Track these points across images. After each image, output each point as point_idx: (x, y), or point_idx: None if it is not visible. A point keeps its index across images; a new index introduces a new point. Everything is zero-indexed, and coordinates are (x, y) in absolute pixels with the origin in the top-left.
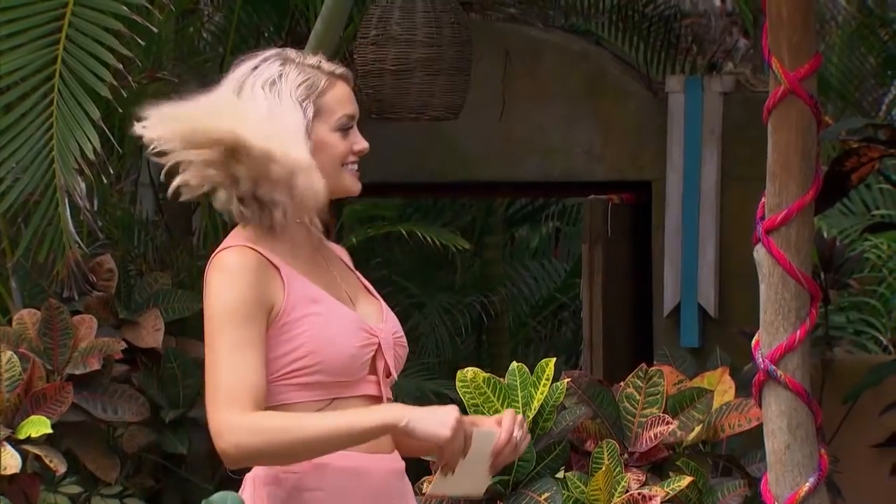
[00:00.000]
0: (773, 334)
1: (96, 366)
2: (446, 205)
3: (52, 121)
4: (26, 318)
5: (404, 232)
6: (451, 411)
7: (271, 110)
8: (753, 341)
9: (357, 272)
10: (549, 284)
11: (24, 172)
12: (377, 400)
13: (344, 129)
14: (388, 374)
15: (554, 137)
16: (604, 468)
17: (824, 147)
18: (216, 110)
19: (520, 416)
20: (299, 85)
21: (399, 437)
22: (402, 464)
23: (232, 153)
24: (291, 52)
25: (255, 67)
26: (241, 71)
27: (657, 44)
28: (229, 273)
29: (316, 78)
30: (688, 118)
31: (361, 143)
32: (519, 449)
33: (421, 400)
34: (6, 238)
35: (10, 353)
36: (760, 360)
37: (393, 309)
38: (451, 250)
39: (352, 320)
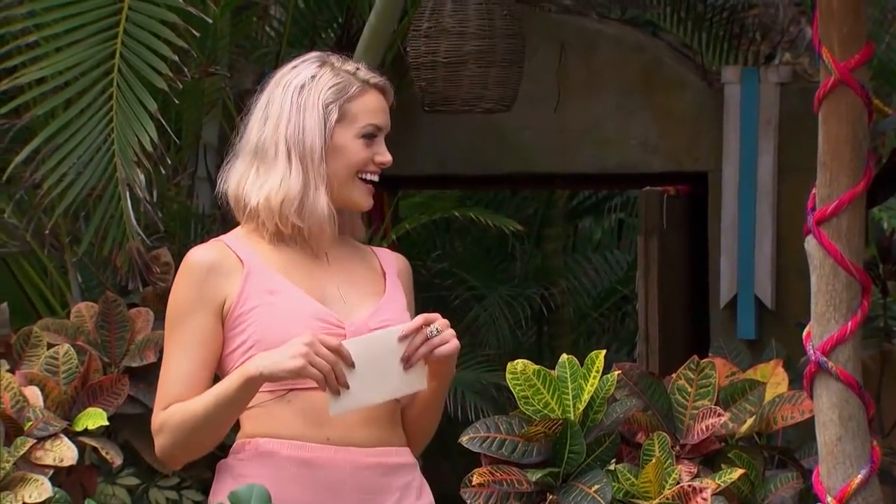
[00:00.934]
0: (824, 326)
1: (153, 358)
2: (506, 197)
3: (111, 115)
4: (84, 311)
5: (458, 215)
6: (297, 341)
7: (297, 112)
8: (804, 333)
9: (391, 279)
10: (610, 276)
11: (86, 167)
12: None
13: (368, 138)
14: None
15: (609, 129)
16: (654, 460)
17: (888, 137)
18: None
19: (441, 319)
20: (330, 87)
21: (408, 400)
22: (392, 459)
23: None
24: (333, 57)
25: (294, 67)
26: (282, 70)
27: (720, 34)
28: (180, 271)
29: (348, 83)
30: (744, 109)
31: (385, 156)
32: (443, 347)
33: (481, 393)
34: (66, 233)
35: (66, 345)
36: (812, 351)
37: (453, 301)
38: (512, 242)
39: (309, 311)
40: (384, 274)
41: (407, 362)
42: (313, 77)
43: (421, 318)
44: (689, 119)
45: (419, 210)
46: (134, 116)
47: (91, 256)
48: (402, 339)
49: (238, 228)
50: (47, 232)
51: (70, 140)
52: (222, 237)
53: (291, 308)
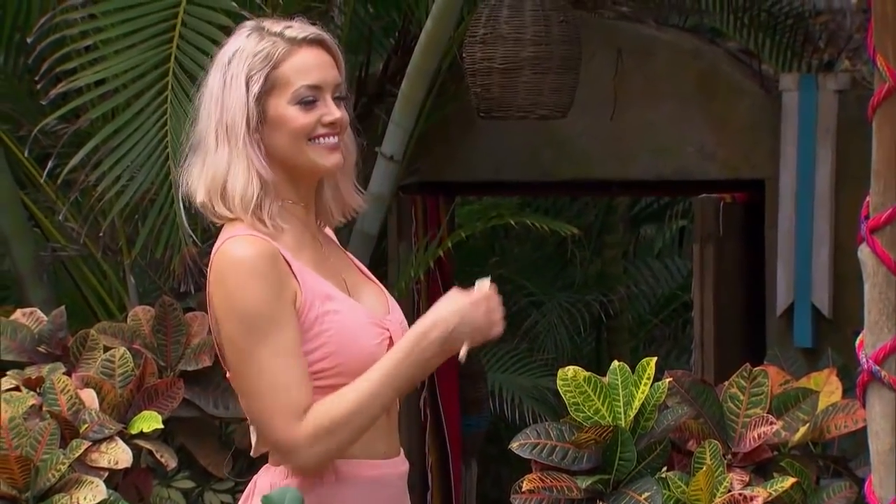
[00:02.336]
0: (877, 335)
1: (208, 362)
2: (565, 204)
3: (166, 118)
4: (140, 314)
5: (512, 222)
6: (471, 307)
7: (221, 90)
8: (857, 341)
9: (348, 253)
10: (671, 283)
11: (140, 170)
12: (390, 407)
13: (304, 102)
14: None
15: (666, 136)
16: (705, 468)
17: None
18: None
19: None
20: (255, 55)
21: None
22: (406, 465)
23: None
24: (267, 21)
25: (226, 43)
26: (219, 48)
27: (783, 41)
28: (249, 267)
29: (273, 47)
30: (802, 116)
31: (332, 114)
32: (494, 321)
33: (538, 398)
34: (123, 236)
35: (122, 349)
36: (864, 360)
37: (511, 308)
38: (571, 249)
39: (365, 316)
40: (346, 253)
41: None
42: (238, 49)
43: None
44: (747, 126)
45: (476, 217)
46: (187, 119)
47: (147, 260)
48: None
49: (239, 225)
50: (101, 235)
51: (125, 143)
52: (250, 232)
53: (354, 316)
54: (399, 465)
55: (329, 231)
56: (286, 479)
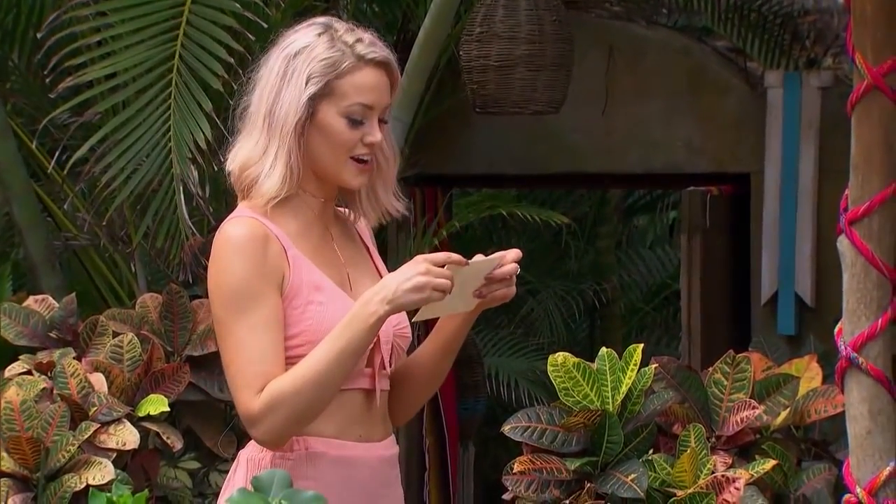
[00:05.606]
0: (855, 322)
1: (213, 348)
2: (560, 196)
3: (169, 113)
4: (148, 301)
5: (505, 213)
6: (410, 271)
7: (279, 80)
8: (836, 329)
9: (373, 252)
10: (662, 273)
11: (145, 161)
12: (370, 393)
13: (353, 118)
14: (385, 367)
15: (656, 131)
16: (689, 450)
17: None
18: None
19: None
20: (322, 60)
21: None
22: (396, 450)
23: None
24: (338, 24)
25: (296, 31)
26: (286, 33)
27: (772, 40)
28: (230, 249)
29: (342, 57)
30: (786, 112)
31: (373, 136)
32: (508, 289)
33: (534, 381)
34: (132, 226)
35: (131, 335)
36: (843, 347)
37: None
38: (566, 240)
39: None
40: (367, 248)
41: (481, 292)
42: (307, 46)
43: (515, 255)
44: (733, 122)
45: (472, 208)
46: (189, 115)
47: (155, 249)
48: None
49: (246, 205)
50: (104, 224)
51: (129, 136)
52: (250, 214)
53: (335, 309)
54: (379, 450)
55: (364, 227)
56: (261, 453)
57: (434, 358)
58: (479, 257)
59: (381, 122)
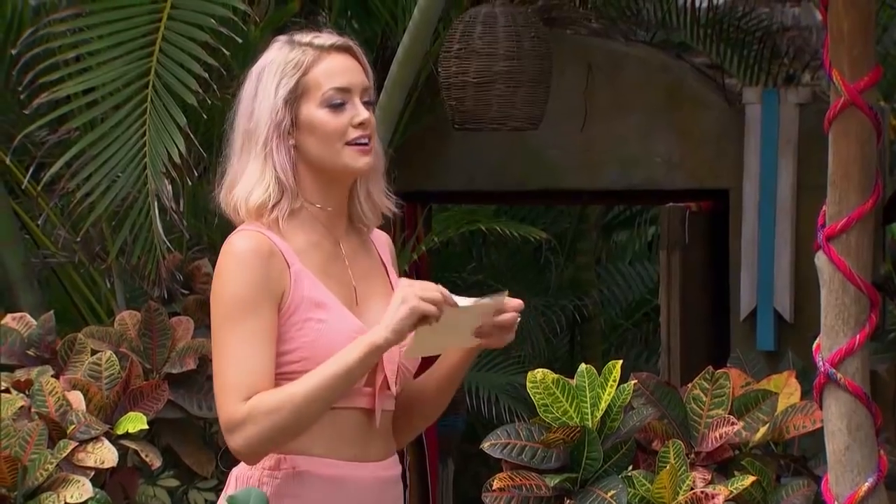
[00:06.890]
0: (833, 338)
1: (192, 365)
2: (540, 212)
3: (145, 129)
4: (127, 319)
5: (484, 228)
6: (402, 308)
7: (251, 101)
8: (814, 345)
9: (390, 268)
10: (641, 288)
11: (120, 176)
12: (370, 413)
13: (332, 104)
14: (390, 387)
15: (634, 147)
16: (669, 467)
17: None
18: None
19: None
20: (285, 65)
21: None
22: (397, 470)
23: None
24: (298, 34)
25: (264, 54)
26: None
27: (751, 56)
28: (232, 260)
29: (303, 55)
30: (764, 128)
31: (360, 115)
32: (507, 335)
33: (514, 396)
34: (110, 242)
35: (109, 352)
36: (821, 363)
37: None
38: (545, 255)
39: (354, 330)
40: (383, 263)
41: (479, 332)
42: (271, 61)
43: (517, 305)
44: (712, 138)
45: (451, 222)
46: (164, 130)
47: (132, 266)
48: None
49: (255, 220)
50: (79, 241)
51: (105, 151)
52: (257, 228)
53: (337, 328)
54: (377, 470)
55: (384, 242)
56: (249, 471)
57: (439, 386)
58: (476, 300)
59: (367, 104)
